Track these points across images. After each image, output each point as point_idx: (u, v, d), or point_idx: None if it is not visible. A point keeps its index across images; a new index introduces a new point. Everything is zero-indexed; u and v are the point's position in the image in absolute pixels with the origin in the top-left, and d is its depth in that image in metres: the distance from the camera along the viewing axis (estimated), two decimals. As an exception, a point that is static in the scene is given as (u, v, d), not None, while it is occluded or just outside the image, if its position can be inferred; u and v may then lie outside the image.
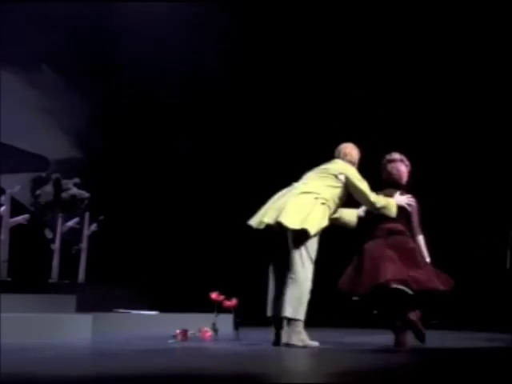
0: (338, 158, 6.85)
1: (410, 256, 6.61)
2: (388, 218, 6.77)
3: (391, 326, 6.68)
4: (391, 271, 6.38)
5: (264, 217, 6.36)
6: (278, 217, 6.24)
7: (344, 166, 6.69)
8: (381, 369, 5.13)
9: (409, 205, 6.89)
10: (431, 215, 11.14)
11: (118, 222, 10.27)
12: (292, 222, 6.24)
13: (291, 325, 6.32)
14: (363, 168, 7.03)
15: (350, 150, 6.90)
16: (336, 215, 6.73)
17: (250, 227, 6.51)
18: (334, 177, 6.61)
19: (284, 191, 6.58)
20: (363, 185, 6.65)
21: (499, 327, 9.08)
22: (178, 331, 6.98)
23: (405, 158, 7.11)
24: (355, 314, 9.38)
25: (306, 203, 6.32)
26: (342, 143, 6.99)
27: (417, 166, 11.31)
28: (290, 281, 6.32)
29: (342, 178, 6.62)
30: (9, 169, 9.77)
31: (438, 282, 6.53)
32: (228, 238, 11.11)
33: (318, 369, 5.15)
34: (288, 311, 6.30)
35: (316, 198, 6.39)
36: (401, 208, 6.89)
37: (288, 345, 6.28)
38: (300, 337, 6.34)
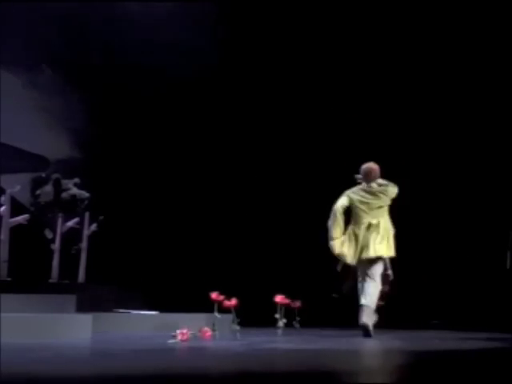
0: (375, 179, 8.38)
1: None
2: None
3: None
4: None
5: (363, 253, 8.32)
6: (376, 251, 8.29)
7: (394, 193, 8.47)
8: (381, 369, 5.13)
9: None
10: (432, 216, 11.21)
11: (118, 221, 10.27)
12: (387, 252, 8.38)
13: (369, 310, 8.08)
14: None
15: (378, 171, 8.41)
16: None
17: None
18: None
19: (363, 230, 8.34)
20: None
21: (499, 327, 9.09)
22: (177, 331, 6.98)
23: None
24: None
25: (387, 237, 8.37)
26: (370, 165, 8.41)
27: (418, 167, 11.36)
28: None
29: None
30: (9, 169, 9.76)
31: None
32: (227, 238, 11.12)
33: (318, 369, 5.15)
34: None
35: (390, 230, 8.41)
36: None
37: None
38: (373, 318, 8.06)
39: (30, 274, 8.92)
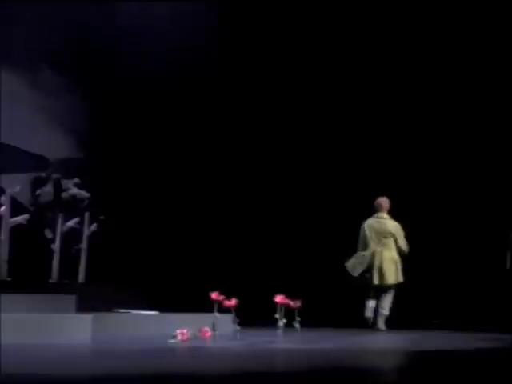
0: (385, 210, 9.94)
1: None
2: None
3: None
4: None
5: (378, 279, 9.88)
6: (387, 279, 9.87)
7: (396, 228, 9.99)
8: (381, 368, 5.13)
9: None
10: (432, 216, 11.21)
11: (118, 221, 10.27)
12: (394, 279, 9.96)
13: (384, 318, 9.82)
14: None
15: (387, 203, 9.94)
16: None
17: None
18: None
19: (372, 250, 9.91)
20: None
21: (499, 327, 9.09)
22: (178, 331, 6.97)
23: None
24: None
25: (396, 263, 9.91)
26: (382, 198, 9.91)
27: (418, 167, 11.36)
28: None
29: None
30: (9, 169, 9.75)
31: None
32: (227, 238, 11.12)
33: (318, 369, 5.15)
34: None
35: (395, 257, 9.93)
36: None
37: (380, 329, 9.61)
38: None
39: (30, 274, 8.92)
